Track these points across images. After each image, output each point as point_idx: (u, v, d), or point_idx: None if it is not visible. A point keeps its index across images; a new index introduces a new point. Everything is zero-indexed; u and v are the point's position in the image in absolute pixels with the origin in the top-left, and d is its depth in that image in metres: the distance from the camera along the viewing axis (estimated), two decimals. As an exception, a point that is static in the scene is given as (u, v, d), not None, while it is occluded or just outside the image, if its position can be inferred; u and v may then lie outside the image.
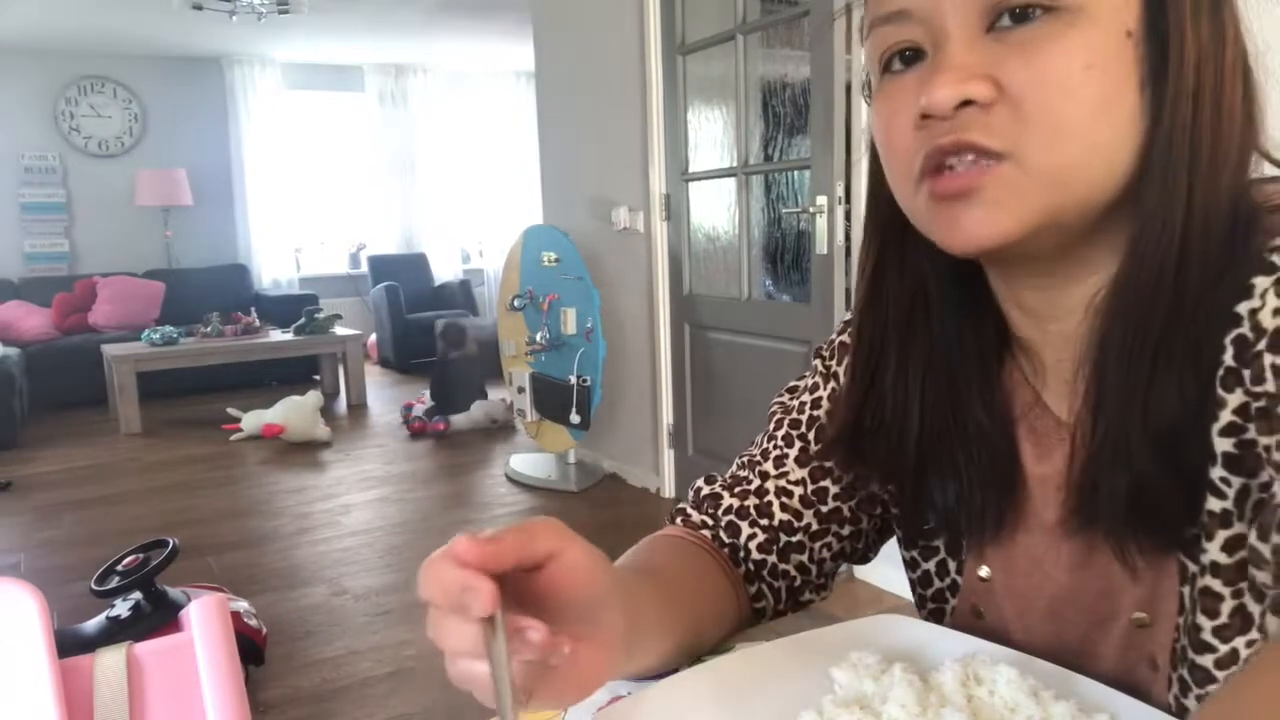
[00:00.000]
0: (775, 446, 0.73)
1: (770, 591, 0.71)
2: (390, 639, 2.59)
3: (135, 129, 7.15)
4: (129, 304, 6.47)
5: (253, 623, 2.34)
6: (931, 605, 0.67)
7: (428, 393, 5.35)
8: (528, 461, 4.26)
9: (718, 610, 0.67)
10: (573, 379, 3.82)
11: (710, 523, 0.72)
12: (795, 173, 3.17)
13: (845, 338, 0.71)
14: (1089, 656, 0.58)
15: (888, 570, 2.73)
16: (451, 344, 5.35)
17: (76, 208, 6.99)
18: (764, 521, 0.71)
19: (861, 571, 2.82)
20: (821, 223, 2.85)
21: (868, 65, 0.55)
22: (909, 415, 0.59)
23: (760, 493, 0.72)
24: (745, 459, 0.75)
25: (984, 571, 0.63)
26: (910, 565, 0.69)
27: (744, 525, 0.71)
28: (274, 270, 7.58)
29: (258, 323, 6.02)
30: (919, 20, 0.49)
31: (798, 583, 0.72)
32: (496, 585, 0.41)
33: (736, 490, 0.72)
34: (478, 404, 5.12)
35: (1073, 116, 0.47)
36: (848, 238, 2.81)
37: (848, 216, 2.79)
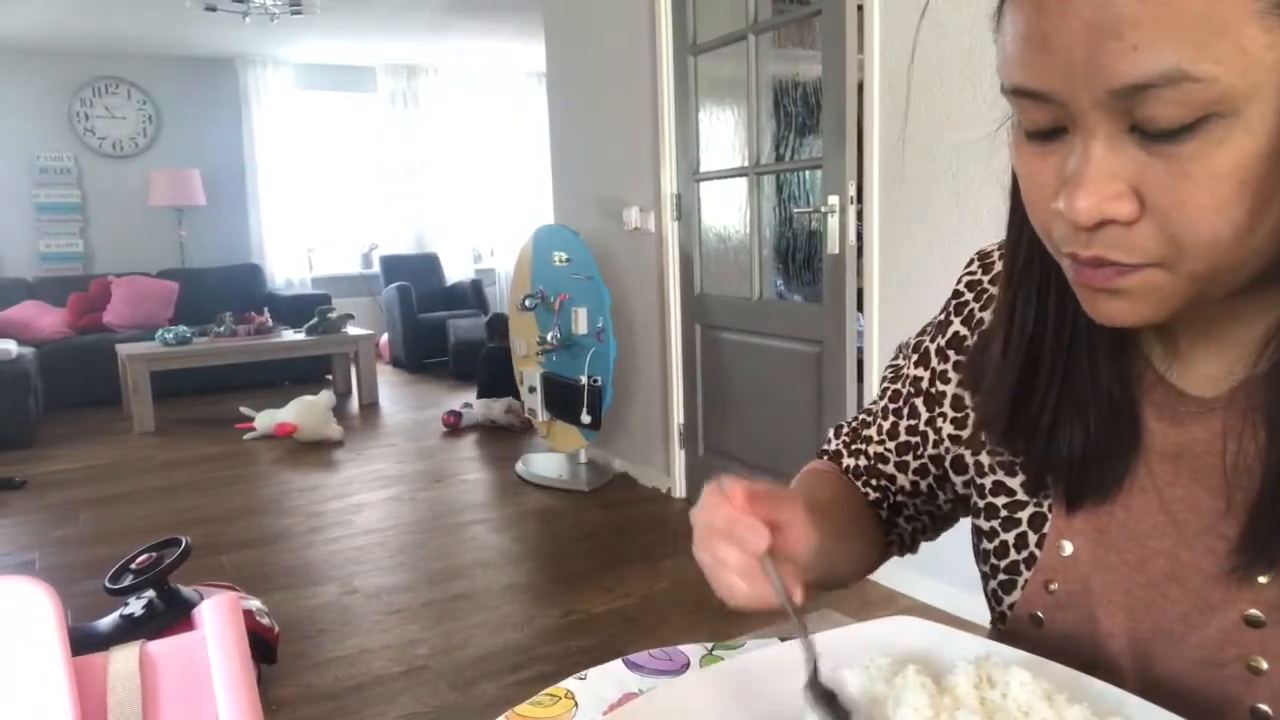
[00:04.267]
0: (885, 414, 0.80)
1: (908, 525, 0.81)
2: (402, 638, 2.60)
3: (149, 129, 7.20)
4: (143, 304, 6.51)
5: (265, 621, 2.35)
6: (1004, 577, 0.67)
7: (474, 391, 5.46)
8: (539, 461, 4.26)
9: (866, 545, 0.79)
10: (583, 379, 3.83)
11: (858, 468, 0.82)
12: (807, 172, 3.16)
13: (940, 314, 0.76)
14: (1178, 642, 0.56)
15: (900, 571, 2.72)
16: (497, 333, 5.57)
17: (91, 208, 7.04)
18: (882, 482, 0.80)
19: (873, 572, 2.80)
20: (833, 222, 2.84)
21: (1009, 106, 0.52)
22: (1054, 380, 0.59)
23: (881, 458, 0.81)
24: (867, 413, 0.84)
25: (1066, 548, 0.62)
26: (987, 535, 0.68)
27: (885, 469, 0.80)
28: (287, 270, 7.61)
29: (270, 322, 6.05)
30: (1057, 104, 0.45)
31: (920, 524, 0.81)
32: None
33: (854, 447, 0.83)
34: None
35: (1225, 234, 0.44)
36: (860, 237, 2.80)
37: (859, 216, 2.78)
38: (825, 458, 0.84)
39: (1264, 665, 0.52)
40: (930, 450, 0.76)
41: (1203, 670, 0.55)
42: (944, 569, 2.53)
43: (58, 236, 6.92)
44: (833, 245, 2.87)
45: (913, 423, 0.77)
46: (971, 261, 0.75)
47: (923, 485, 0.77)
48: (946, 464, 0.75)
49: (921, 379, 0.76)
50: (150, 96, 7.17)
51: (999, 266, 0.70)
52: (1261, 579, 0.52)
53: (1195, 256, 0.45)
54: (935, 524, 0.81)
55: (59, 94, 6.87)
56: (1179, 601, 0.56)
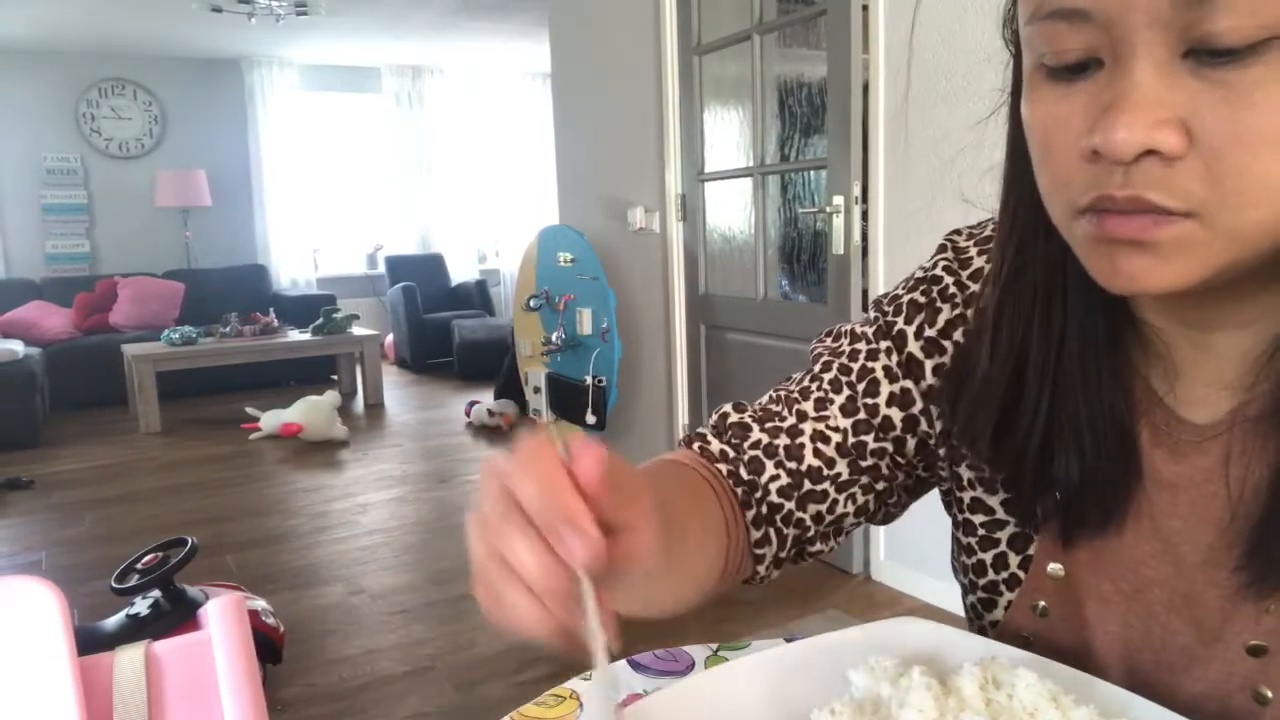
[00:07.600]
0: (819, 388, 0.67)
1: (778, 538, 0.66)
2: (407, 638, 2.60)
3: (155, 130, 7.22)
4: (149, 304, 6.53)
5: (270, 621, 2.35)
6: (982, 594, 0.64)
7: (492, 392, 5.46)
8: (543, 461, 4.27)
9: (708, 564, 0.61)
10: (588, 379, 3.83)
11: (732, 454, 0.66)
12: (812, 172, 3.16)
13: (917, 295, 0.67)
14: (1180, 674, 0.54)
15: (905, 572, 2.71)
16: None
17: (97, 209, 7.06)
18: (791, 464, 0.65)
19: (878, 573, 2.80)
20: (838, 223, 2.84)
21: (1025, 46, 0.47)
22: (1043, 397, 0.54)
23: (793, 432, 0.66)
24: (780, 394, 0.69)
25: (1055, 569, 0.58)
26: (965, 551, 0.65)
27: (769, 464, 0.65)
28: (292, 270, 7.63)
29: (276, 323, 6.06)
30: (1100, 25, 0.41)
31: (810, 533, 0.66)
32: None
33: (767, 425, 0.66)
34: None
35: (1277, 175, 0.40)
36: (865, 238, 2.80)
37: (864, 216, 2.78)
38: (694, 444, 0.67)
39: (1269, 694, 0.51)
40: (896, 434, 0.66)
41: (1206, 702, 0.52)
42: (949, 569, 2.52)
43: (64, 237, 6.94)
44: (838, 245, 2.86)
45: (874, 401, 0.66)
46: (944, 248, 0.68)
47: (883, 467, 0.66)
48: (929, 452, 0.67)
49: (891, 357, 0.67)
50: (156, 97, 7.19)
51: (977, 261, 0.66)
52: (1270, 606, 0.50)
53: (1238, 206, 0.40)
54: (836, 531, 0.68)
55: (65, 95, 6.90)
56: (1180, 633, 0.54)
